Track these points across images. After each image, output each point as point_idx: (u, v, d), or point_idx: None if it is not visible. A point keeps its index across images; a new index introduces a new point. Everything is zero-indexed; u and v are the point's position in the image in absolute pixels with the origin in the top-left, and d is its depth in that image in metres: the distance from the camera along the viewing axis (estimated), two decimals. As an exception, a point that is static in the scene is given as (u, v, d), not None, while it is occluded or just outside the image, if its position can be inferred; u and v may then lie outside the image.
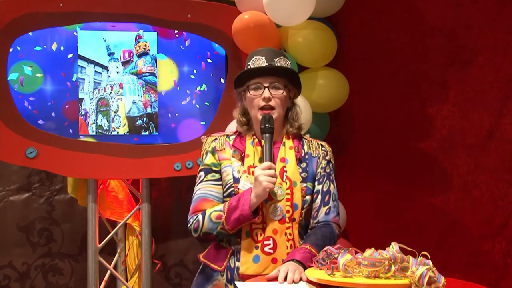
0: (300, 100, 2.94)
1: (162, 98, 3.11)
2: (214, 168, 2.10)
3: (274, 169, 1.97)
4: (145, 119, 3.09)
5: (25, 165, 2.98)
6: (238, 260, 2.00)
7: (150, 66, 3.09)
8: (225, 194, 2.07)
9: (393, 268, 1.60)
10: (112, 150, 2.99)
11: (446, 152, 3.14)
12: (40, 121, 2.97)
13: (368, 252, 1.67)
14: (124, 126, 3.06)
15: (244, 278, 1.96)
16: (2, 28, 2.87)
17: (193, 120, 3.15)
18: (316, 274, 1.69)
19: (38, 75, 2.99)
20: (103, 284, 3.28)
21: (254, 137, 2.11)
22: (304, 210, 2.04)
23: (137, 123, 3.08)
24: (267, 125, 2.03)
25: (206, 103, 3.14)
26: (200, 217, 2.03)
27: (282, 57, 2.09)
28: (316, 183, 2.10)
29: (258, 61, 2.07)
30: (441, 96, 3.15)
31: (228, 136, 2.16)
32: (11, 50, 2.91)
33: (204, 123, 3.14)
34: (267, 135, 2.02)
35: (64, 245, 3.56)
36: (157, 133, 3.10)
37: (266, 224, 1.99)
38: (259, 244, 1.97)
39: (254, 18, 2.93)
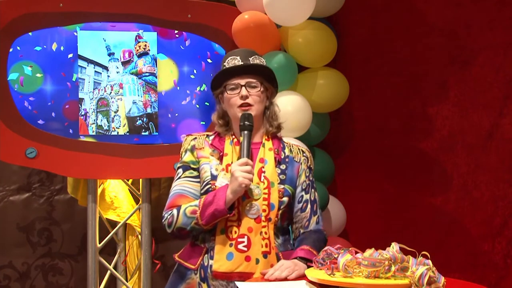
0: (300, 100, 2.97)
1: (162, 98, 3.11)
2: (192, 166, 2.10)
3: (251, 165, 1.97)
4: (145, 119, 3.08)
5: (25, 165, 2.98)
6: (212, 258, 1.99)
7: (150, 66, 3.09)
8: (202, 191, 2.07)
9: (393, 268, 1.60)
10: (112, 150, 2.99)
11: (446, 152, 3.13)
12: (40, 121, 2.97)
13: (368, 252, 1.67)
14: (124, 126, 3.06)
15: (217, 275, 1.96)
16: (2, 28, 2.87)
17: (193, 120, 3.15)
18: (316, 274, 1.69)
19: (38, 75, 2.99)
20: (103, 284, 3.28)
21: (233, 137, 2.11)
22: (280, 211, 2.04)
23: (137, 123, 3.08)
24: (246, 122, 2.03)
25: (206, 103, 3.14)
26: (175, 212, 2.03)
27: (256, 55, 2.11)
28: (303, 192, 2.11)
29: (234, 61, 2.08)
30: (441, 96, 3.15)
31: (208, 136, 2.16)
32: (11, 50, 2.91)
33: (204, 123, 3.14)
34: (246, 132, 2.02)
35: (64, 245, 3.56)
36: (157, 133, 3.10)
37: (241, 222, 1.99)
38: (233, 242, 1.97)
39: (254, 18, 2.93)
